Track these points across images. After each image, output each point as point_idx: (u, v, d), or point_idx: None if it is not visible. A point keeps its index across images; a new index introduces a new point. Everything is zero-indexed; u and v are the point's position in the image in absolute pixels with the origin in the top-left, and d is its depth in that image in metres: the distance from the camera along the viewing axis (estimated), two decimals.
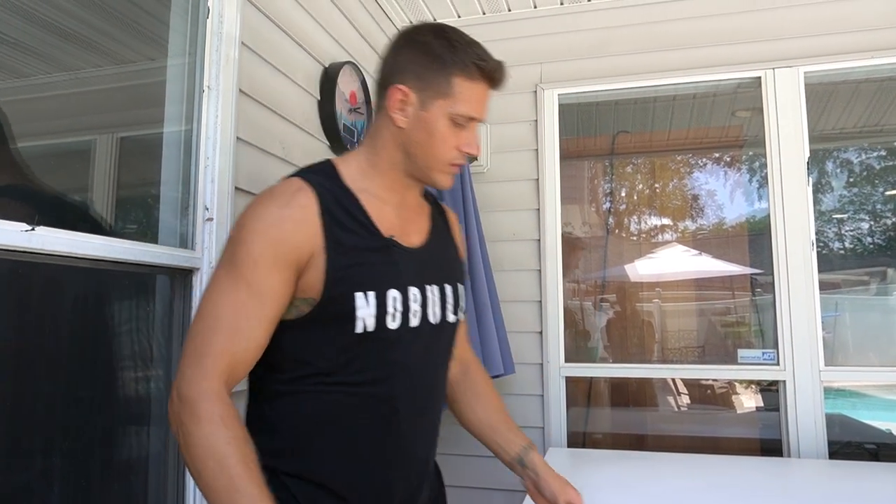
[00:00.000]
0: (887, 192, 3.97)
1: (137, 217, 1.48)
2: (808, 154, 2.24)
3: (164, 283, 1.43)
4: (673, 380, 3.20)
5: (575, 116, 2.82)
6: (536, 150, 2.48)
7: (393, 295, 1.02)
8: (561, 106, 2.52)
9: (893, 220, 3.96)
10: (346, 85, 2.07)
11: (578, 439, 2.57)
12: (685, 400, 3.29)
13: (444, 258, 1.18)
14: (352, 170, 1.08)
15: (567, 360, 2.40)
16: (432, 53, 1.03)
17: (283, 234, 0.96)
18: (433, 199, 1.27)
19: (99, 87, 1.36)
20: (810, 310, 2.16)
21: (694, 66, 2.41)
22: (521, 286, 2.44)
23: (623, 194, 3.38)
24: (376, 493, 1.04)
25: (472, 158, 1.03)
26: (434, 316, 1.10)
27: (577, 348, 2.70)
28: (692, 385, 3.29)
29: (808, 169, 2.23)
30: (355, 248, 1.00)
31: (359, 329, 0.99)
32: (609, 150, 2.99)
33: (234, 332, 0.93)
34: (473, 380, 1.32)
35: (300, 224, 0.97)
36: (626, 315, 3.13)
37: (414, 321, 1.05)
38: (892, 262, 3.89)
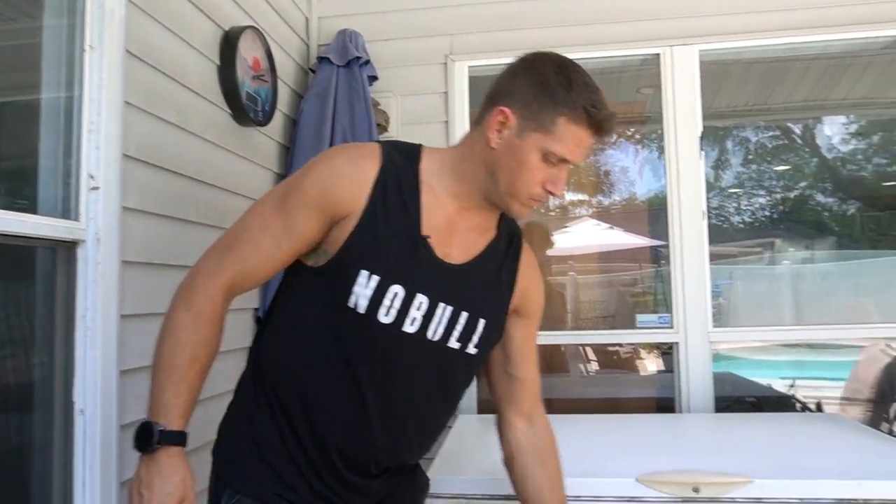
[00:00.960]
0: (776, 168, 4.26)
1: (14, 186, 1.38)
2: (701, 128, 2.37)
3: (46, 257, 1.34)
4: (583, 348, 3.35)
5: (486, 88, 2.83)
6: (447, 122, 2.49)
7: (395, 290, 0.99)
8: (472, 78, 2.53)
9: (782, 194, 4.27)
10: (248, 50, 1.99)
11: (490, 406, 2.64)
12: (593, 366, 3.45)
13: (479, 286, 1.10)
14: (434, 163, 1.07)
15: None
16: (546, 86, 1.00)
17: (334, 182, 1.00)
18: (510, 233, 1.16)
19: None
20: (701, 276, 2.30)
21: (600, 42, 2.48)
22: None
23: None
24: (326, 468, 1.04)
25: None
26: (434, 333, 1.04)
27: None
28: (600, 352, 3.45)
29: (700, 143, 2.36)
30: (386, 228, 1.00)
31: (350, 304, 0.99)
32: None
33: (255, 245, 1.00)
34: (542, 440, 1.27)
35: (353, 182, 1.00)
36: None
37: (409, 328, 1.01)
38: (781, 234, 4.21)
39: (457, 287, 1.05)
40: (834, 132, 4.06)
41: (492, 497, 1.46)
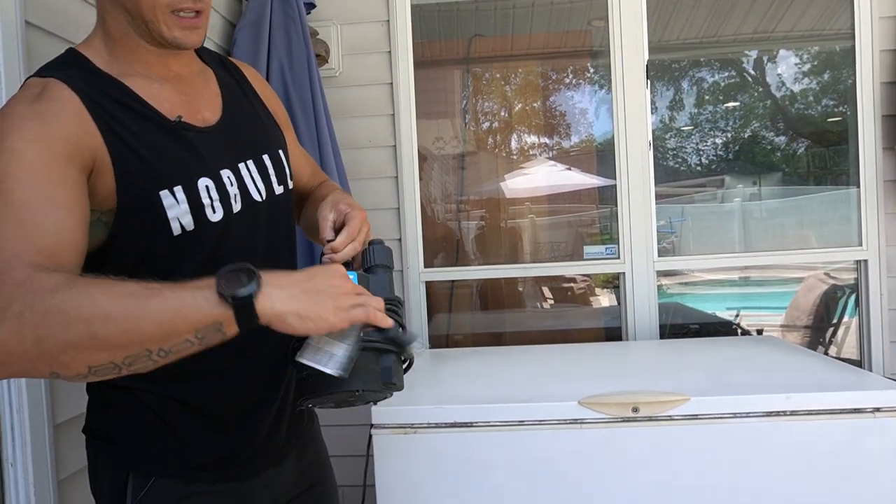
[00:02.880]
0: (726, 105, 4.30)
1: None
2: (647, 57, 2.34)
3: None
4: (539, 288, 3.38)
5: (433, 19, 2.73)
6: (390, 52, 2.39)
7: (205, 183, 0.91)
8: (416, 6, 2.43)
9: (732, 132, 4.32)
10: None
11: (441, 342, 2.66)
12: (547, 303, 3.50)
13: (251, 126, 1.05)
14: (99, 53, 0.91)
15: (426, 265, 2.43)
16: None
17: (44, 128, 0.79)
18: (218, 58, 1.10)
19: None
20: (646, 207, 2.32)
21: None
22: (379, 194, 2.40)
23: (484, 104, 3.39)
24: (231, 398, 0.98)
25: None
26: (258, 193, 0.99)
27: (439, 256, 2.75)
28: (555, 288, 3.49)
29: (646, 72, 2.34)
30: (142, 141, 0.87)
31: (175, 231, 0.88)
32: (465, 55, 2.95)
33: (26, 230, 0.73)
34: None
35: (64, 117, 0.81)
36: (488, 225, 3.22)
37: (237, 206, 0.95)
38: (730, 171, 4.28)
39: (237, 140, 1.00)
40: (784, 70, 4.10)
41: (438, 425, 1.47)
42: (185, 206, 0.89)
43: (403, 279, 2.39)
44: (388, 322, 0.82)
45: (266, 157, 1.03)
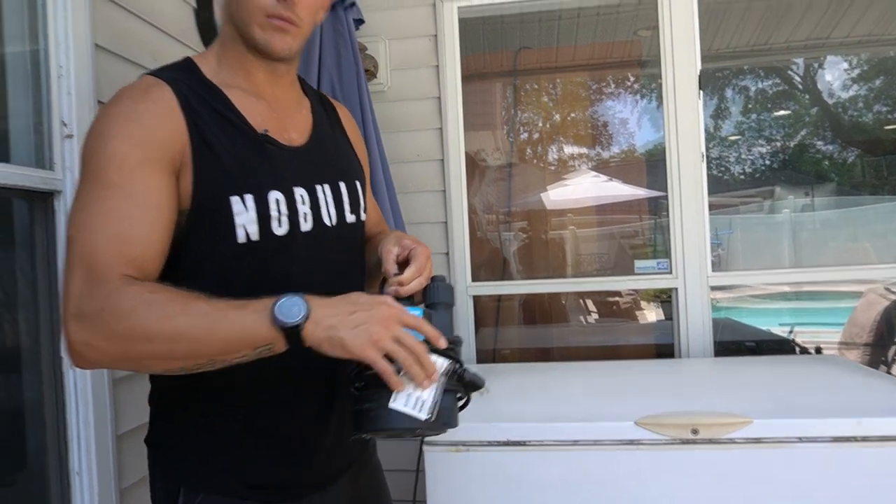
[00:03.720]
0: (775, 113, 4.18)
1: None
2: (699, 67, 2.29)
3: (22, 208, 1.29)
4: (583, 299, 3.34)
5: (479, 32, 2.74)
6: (437, 66, 2.40)
7: (275, 196, 0.93)
8: (463, 20, 2.43)
9: (781, 142, 4.19)
10: None
11: (488, 356, 2.64)
12: (593, 317, 3.45)
13: (334, 155, 1.09)
14: (211, 62, 0.98)
15: (474, 279, 2.42)
16: None
17: (144, 130, 0.85)
18: (317, 94, 1.17)
19: None
20: (700, 220, 2.26)
21: None
22: (426, 208, 2.41)
23: (531, 117, 3.38)
24: (292, 407, 0.98)
25: (289, 9, 0.91)
26: (329, 217, 1.01)
27: (486, 269, 2.73)
28: (599, 302, 3.44)
29: (699, 83, 2.29)
30: (225, 147, 0.90)
31: (240, 238, 0.89)
32: (512, 67, 2.94)
33: (120, 239, 0.81)
34: None
35: (161, 118, 0.87)
36: (535, 237, 3.19)
37: (305, 225, 0.96)
38: (779, 181, 4.15)
39: (319, 164, 1.03)
40: (835, 77, 3.97)
41: (490, 443, 1.45)
42: (252, 215, 0.90)
43: None
44: (428, 364, 0.82)
45: (342, 185, 1.05)
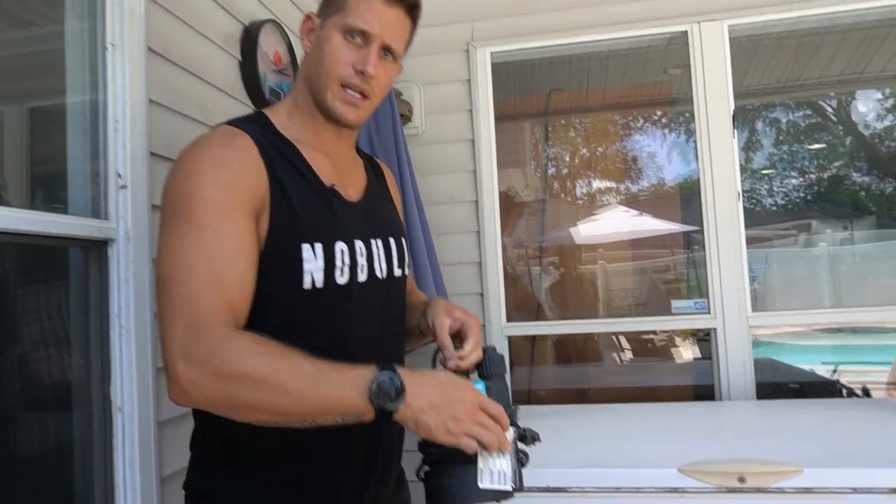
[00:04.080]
0: (810, 147, 4.13)
1: (46, 188, 1.39)
2: (733, 107, 2.30)
3: (78, 257, 1.35)
4: (616, 337, 3.29)
5: (510, 76, 2.79)
6: (470, 110, 2.45)
7: (340, 247, 0.98)
8: (495, 65, 2.49)
9: (816, 174, 4.14)
10: (269, 45, 1.98)
11: (523, 398, 2.62)
12: (627, 355, 3.40)
13: (384, 212, 1.16)
14: (282, 117, 1.04)
15: (509, 319, 2.41)
16: None
17: (234, 175, 0.90)
18: (366, 155, 1.24)
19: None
20: (738, 259, 2.23)
21: (624, 21, 2.41)
22: (461, 248, 2.43)
23: (562, 156, 3.41)
24: (336, 463, 1.00)
25: (365, 82, 0.99)
26: (381, 270, 1.06)
27: (520, 308, 2.72)
28: (633, 340, 3.39)
29: (733, 122, 2.29)
30: (299, 197, 0.95)
31: (307, 285, 0.93)
32: (544, 109, 2.99)
33: (219, 279, 0.85)
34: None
35: (246, 164, 0.92)
36: (567, 275, 3.18)
37: (362, 276, 1.01)
38: (816, 215, 4.08)
39: (372, 220, 1.09)
40: (870, 108, 3.92)
41: (530, 489, 1.43)
42: (320, 263, 0.95)
43: (486, 334, 2.38)
44: (505, 441, 0.88)
45: (392, 240, 1.11)
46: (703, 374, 2.44)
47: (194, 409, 0.99)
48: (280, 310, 0.93)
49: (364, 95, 1.00)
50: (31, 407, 1.27)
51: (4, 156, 1.28)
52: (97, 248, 1.35)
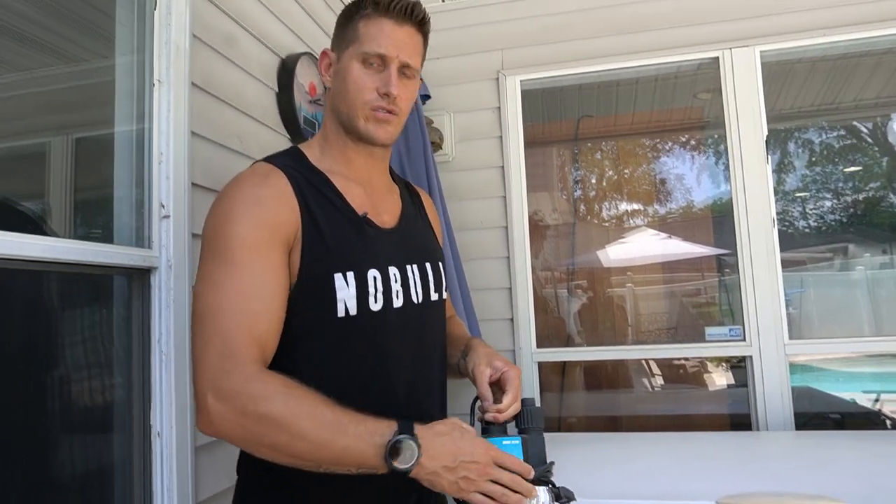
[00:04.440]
0: (846, 169, 4.06)
1: (93, 218, 1.44)
2: (766, 133, 2.28)
3: (122, 284, 1.39)
4: (646, 361, 3.24)
5: (539, 102, 2.82)
6: (500, 137, 2.47)
7: (373, 274, 1.00)
8: (524, 92, 2.52)
9: (853, 196, 4.06)
10: (305, 76, 2.04)
11: (553, 424, 2.59)
12: (658, 381, 3.34)
13: (421, 238, 1.18)
14: (315, 151, 1.09)
15: (539, 345, 2.40)
16: (344, 14, 1.09)
17: (266, 213, 0.94)
18: (404, 181, 1.26)
19: (50, 88, 1.32)
20: (773, 286, 2.20)
21: (653, 49, 2.42)
22: (491, 274, 2.44)
23: (591, 180, 3.40)
24: (375, 489, 0.98)
25: (392, 103, 1.04)
26: (417, 296, 1.08)
27: (549, 334, 2.71)
28: (665, 366, 3.33)
29: (766, 147, 2.27)
30: (331, 228, 0.99)
31: (340, 312, 0.96)
32: (573, 135, 3.00)
33: (251, 316, 0.89)
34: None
35: (280, 202, 0.96)
36: (597, 299, 3.16)
37: (397, 301, 1.03)
38: (853, 238, 3.99)
39: (408, 246, 1.11)
40: None
41: None
42: (352, 291, 0.97)
43: (515, 360, 2.37)
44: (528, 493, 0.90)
45: (428, 266, 1.13)
46: (738, 402, 2.39)
47: None
48: (316, 337, 0.96)
49: (392, 113, 1.05)
50: (74, 429, 1.31)
51: (55, 185, 1.34)
52: (140, 276, 1.39)
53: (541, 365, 2.45)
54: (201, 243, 0.97)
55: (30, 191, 1.28)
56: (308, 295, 0.96)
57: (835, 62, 2.69)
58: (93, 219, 1.44)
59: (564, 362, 2.69)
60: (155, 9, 1.45)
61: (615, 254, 3.37)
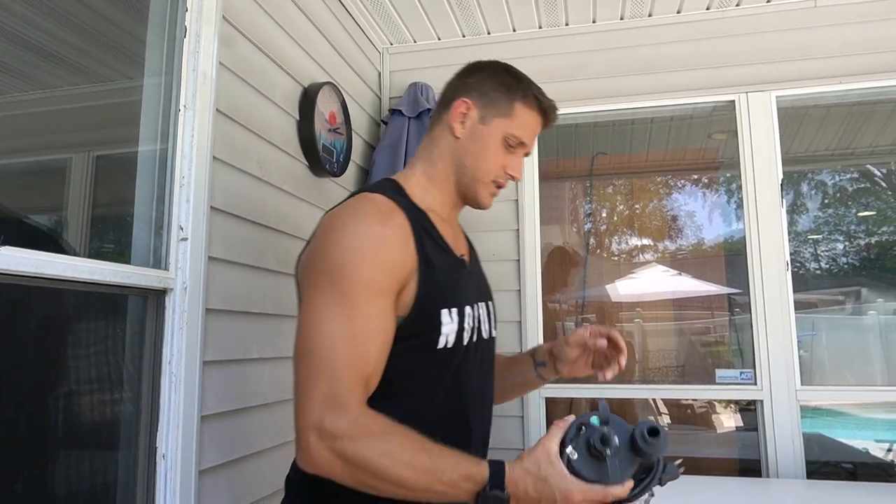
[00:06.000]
0: (860, 213, 4.05)
1: (111, 237, 1.46)
2: (781, 176, 2.28)
3: (137, 304, 1.40)
4: (654, 400, 3.20)
5: (554, 138, 2.84)
6: None
7: (468, 311, 1.06)
8: None
9: (866, 240, 4.04)
10: (326, 105, 2.07)
11: None
12: (666, 420, 3.29)
13: (483, 276, 1.26)
14: (415, 187, 1.11)
15: None
16: (500, 79, 1.13)
17: (389, 255, 0.97)
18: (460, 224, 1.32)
19: (75, 106, 1.35)
20: (786, 330, 2.18)
21: (669, 90, 2.45)
22: (502, 307, 2.41)
23: (603, 215, 3.41)
24: None
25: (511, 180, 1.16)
26: (486, 332, 1.14)
27: None
28: (672, 405, 3.29)
29: (781, 191, 2.27)
30: (440, 267, 1.04)
31: (440, 345, 1.01)
32: (588, 172, 3.02)
33: (359, 359, 0.92)
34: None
35: (402, 244, 0.99)
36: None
37: (475, 337, 1.09)
38: (866, 282, 3.96)
39: (479, 284, 1.19)
40: None
41: None
42: (455, 326, 1.03)
43: (523, 396, 2.35)
44: None
45: (490, 304, 1.20)
46: (748, 446, 2.35)
47: None
48: (415, 367, 1.02)
49: (501, 186, 1.14)
50: (82, 447, 1.31)
51: (73, 202, 1.36)
52: (155, 297, 1.40)
53: (548, 401, 2.42)
54: (315, 272, 0.97)
55: (51, 205, 1.31)
56: (416, 327, 1.00)
57: (850, 108, 2.71)
58: (112, 237, 1.46)
59: (572, 399, 2.67)
60: (185, 36, 1.49)
61: (626, 289, 3.35)
